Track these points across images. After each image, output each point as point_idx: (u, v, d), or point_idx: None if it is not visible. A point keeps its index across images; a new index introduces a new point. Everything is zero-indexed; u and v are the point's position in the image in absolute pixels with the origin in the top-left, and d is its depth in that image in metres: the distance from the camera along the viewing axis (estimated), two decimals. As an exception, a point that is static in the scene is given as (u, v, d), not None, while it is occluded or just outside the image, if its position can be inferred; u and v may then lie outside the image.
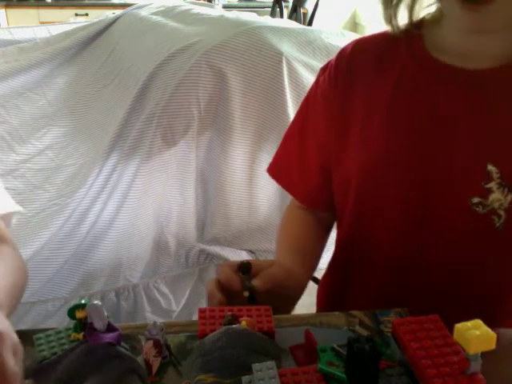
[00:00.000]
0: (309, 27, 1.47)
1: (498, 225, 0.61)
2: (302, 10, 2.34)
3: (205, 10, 1.52)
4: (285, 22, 1.47)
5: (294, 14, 2.30)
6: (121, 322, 1.26)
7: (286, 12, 2.64)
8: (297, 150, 0.80)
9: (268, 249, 1.37)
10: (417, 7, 0.66)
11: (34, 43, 1.70)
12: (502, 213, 0.60)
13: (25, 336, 0.50)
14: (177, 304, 1.33)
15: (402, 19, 0.68)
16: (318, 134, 0.77)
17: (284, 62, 1.23)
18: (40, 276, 1.14)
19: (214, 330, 0.52)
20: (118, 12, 1.78)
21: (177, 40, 1.31)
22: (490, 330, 0.41)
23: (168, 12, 1.58)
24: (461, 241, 0.64)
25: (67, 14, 3.64)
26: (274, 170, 0.85)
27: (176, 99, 1.21)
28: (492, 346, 0.41)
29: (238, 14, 1.43)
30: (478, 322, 0.42)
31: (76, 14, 3.69)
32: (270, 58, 1.23)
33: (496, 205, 0.60)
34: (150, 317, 1.29)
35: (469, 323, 0.42)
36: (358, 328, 0.59)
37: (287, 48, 1.26)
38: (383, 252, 0.70)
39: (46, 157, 1.37)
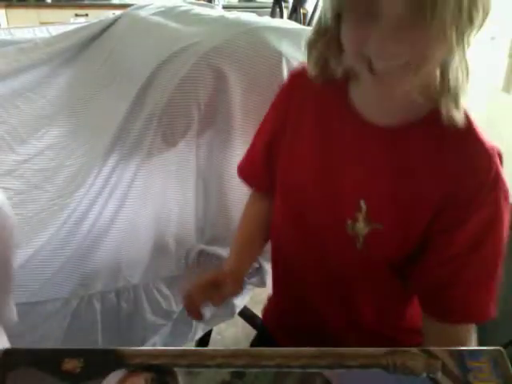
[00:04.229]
0: (309, 27, 1.47)
1: (358, 246, 0.83)
2: (301, 11, 2.34)
3: (205, 11, 1.51)
4: (285, 22, 1.46)
5: (294, 14, 2.30)
6: (121, 322, 1.26)
7: (286, 12, 2.64)
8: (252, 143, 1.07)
9: (267, 249, 1.37)
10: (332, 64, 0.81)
11: (34, 43, 1.69)
12: (361, 238, 0.82)
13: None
14: (177, 305, 1.33)
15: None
16: (266, 123, 1.01)
17: (284, 62, 1.23)
18: (40, 276, 1.14)
19: None
20: (118, 12, 1.78)
21: (177, 40, 1.31)
22: None
23: (168, 12, 1.58)
24: (338, 254, 0.87)
25: (67, 14, 3.65)
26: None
27: (176, 99, 1.21)
28: None
29: (238, 15, 1.42)
30: None
31: (76, 14, 3.69)
32: (270, 58, 1.23)
33: (359, 230, 0.82)
34: (151, 318, 1.29)
35: None
36: (440, 377, 0.47)
37: (287, 48, 1.25)
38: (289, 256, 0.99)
39: (46, 157, 1.37)
